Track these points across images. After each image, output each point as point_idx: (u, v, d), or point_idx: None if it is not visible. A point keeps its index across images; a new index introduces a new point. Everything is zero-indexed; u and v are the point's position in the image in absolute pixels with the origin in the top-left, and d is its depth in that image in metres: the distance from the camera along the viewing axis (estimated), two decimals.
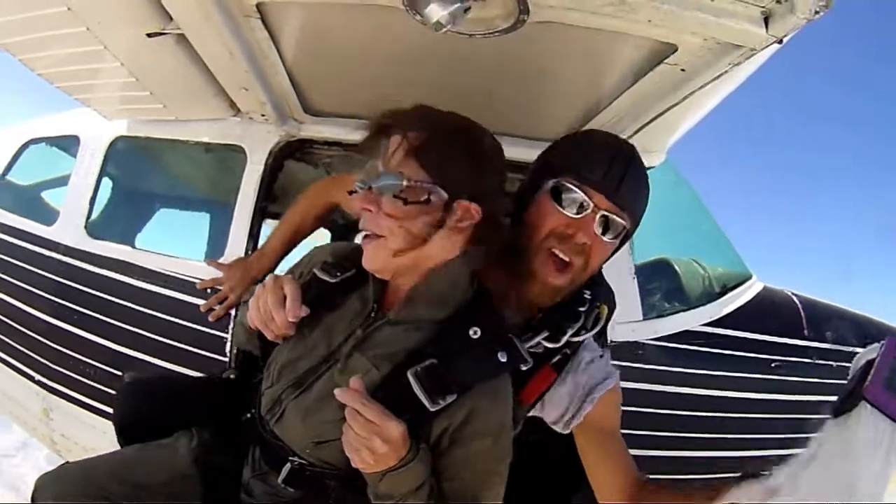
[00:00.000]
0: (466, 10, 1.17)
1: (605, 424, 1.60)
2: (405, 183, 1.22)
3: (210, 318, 2.15)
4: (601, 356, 1.62)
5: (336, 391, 1.18)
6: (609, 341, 2.15)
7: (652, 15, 1.26)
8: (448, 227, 1.27)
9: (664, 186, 2.41)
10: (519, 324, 1.51)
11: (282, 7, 1.50)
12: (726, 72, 1.46)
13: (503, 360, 1.27)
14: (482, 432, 1.25)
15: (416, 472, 1.20)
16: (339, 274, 1.44)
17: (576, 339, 1.55)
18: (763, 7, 1.21)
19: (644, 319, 2.20)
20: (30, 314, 2.57)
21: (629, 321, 2.17)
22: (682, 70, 1.53)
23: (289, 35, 1.64)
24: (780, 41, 1.28)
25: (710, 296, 2.33)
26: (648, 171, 2.31)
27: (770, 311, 2.38)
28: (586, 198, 1.43)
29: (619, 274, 2.17)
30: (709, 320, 2.27)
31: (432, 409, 1.21)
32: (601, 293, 1.63)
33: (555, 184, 1.47)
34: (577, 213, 1.44)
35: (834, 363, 2.35)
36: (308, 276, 1.45)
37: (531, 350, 1.45)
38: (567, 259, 1.45)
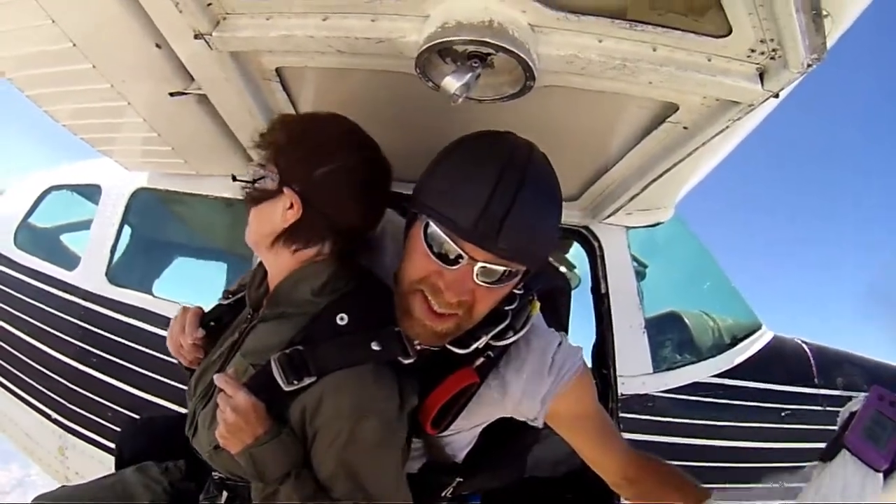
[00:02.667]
0: (477, 77, 1.23)
1: (580, 413, 1.50)
2: (251, 173, 1.33)
3: None
4: (556, 349, 1.45)
5: (215, 375, 1.28)
6: (619, 395, 2.20)
7: (652, 77, 1.30)
8: (283, 224, 1.29)
9: (672, 241, 2.51)
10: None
11: (300, 71, 1.58)
12: (727, 127, 1.49)
13: (376, 348, 1.24)
14: (336, 415, 1.22)
15: (276, 454, 1.22)
16: (230, 296, 1.56)
17: (499, 342, 1.37)
18: (758, 64, 1.25)
19: (654, 372, 2.23)
20: (50, 355, 2.66)
21: (639, 374, 2.20)
22: (685, 128, 1.58)
23: (306, 97, 1.71)
24: (777, 95, 1.31)
25: (719, 347, 2.37)
26: (657, 227, 2.31)
27: (780, 360, 2.39)
28: (458, 249, 1.19)
29: (630, 328, 2.27)
30: (719, 371, 2.29)
31: (286, 389, 1.21)
32: (537, 282, 1.44)
33: (426, 223, 1.22)
34: (450, 265, 1.21)
35: None
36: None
37: (431, 348, 1.35)
38: (443, 312, 1.25)
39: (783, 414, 2.29)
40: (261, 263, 1.44)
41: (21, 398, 2.77)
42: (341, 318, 1.27)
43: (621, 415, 2.14)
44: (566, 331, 1.69)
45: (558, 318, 1.69)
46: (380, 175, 1.35)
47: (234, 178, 1.35)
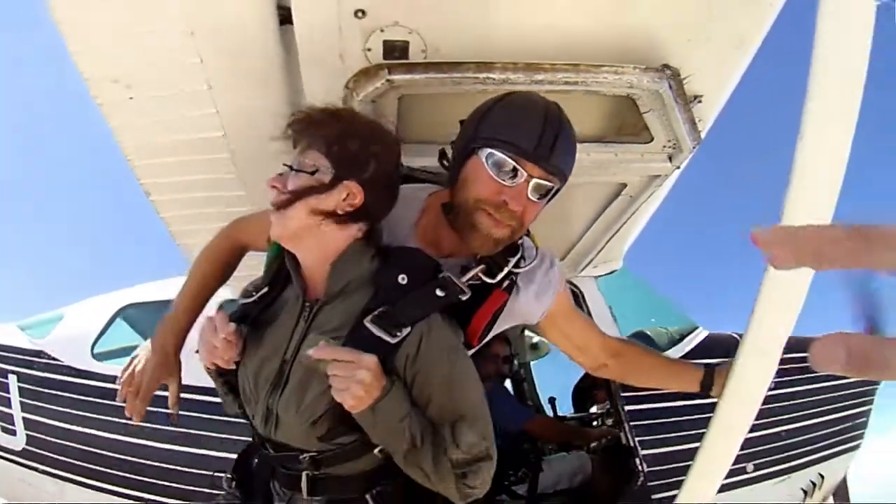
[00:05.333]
0: None
1: (568, 310, 1.83)
2: (302, 163, 1.40)
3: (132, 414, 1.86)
4: (552, 265, 1.73)
5: (310, 351, 1.30)
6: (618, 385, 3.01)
7: (615, 170, 2.20)
8: (338, 209, 1.39)
9: (625, 284, 3.43)
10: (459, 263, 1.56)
11: None
12: (654, 192, 2.40)
13: (441, 294, 1.40)
14: (436, 353, 1.37)
15: (398, 400, 1.31)
16: (254, 293, 1.56)
17: (518, 269, 1.59)
18: (668, 153, 2.13)
19: None
20: (153, 447, 3.09)
21: None
22: (630, 196, 2.49)
23: None
24: (679, 167, 2.18)
25: (673, 343, 3.25)
26: (610, 276, 3.19)
27: (716, 346, 3.23)
28: (520, 167, 1.44)
29: None
30: (681, 353, 3.17)
31: (393, 342, 1.33)
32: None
33: (489, 152, 1.45)
34: (511, 182, 1.45)
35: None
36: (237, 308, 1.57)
37: (473, 282, 1.50)
38: (503, 223, 1.48)
39: None
40: (277, 263, 1.55)
41: (118, 493, 3.11)
42: (402, 279, 1.40)
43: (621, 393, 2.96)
44: None
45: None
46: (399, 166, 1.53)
47: (291, 168, 1.42)
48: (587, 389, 4.10)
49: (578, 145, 1.69)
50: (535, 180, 1.46)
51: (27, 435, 3.33)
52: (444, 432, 1.36)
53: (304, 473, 1.45)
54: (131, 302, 3.57)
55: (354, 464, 1.43)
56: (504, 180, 1.46)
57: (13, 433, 3.36)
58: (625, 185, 2.44)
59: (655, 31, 1.73)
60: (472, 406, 1.41)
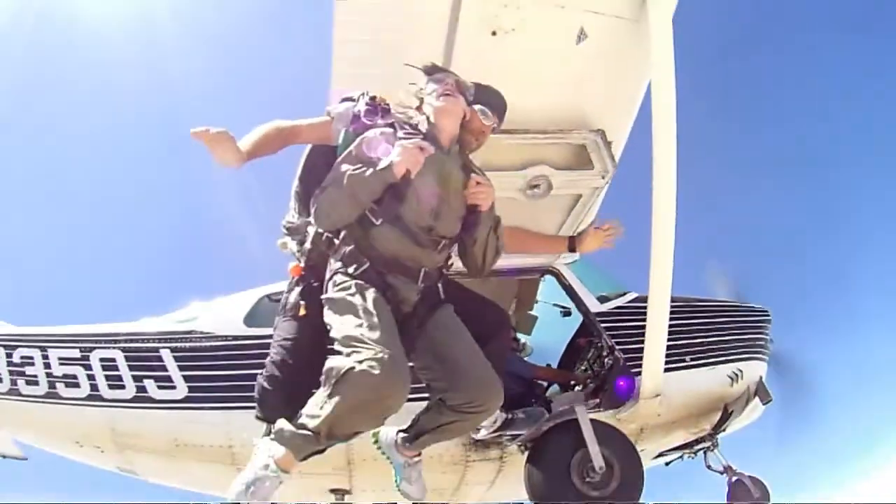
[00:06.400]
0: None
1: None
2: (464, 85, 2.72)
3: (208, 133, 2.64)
4: None
5: (473, 177, 2.66)
6: (593, 312, 4.74)
7: (576, 186, 4.05)
8: (465, 113, 2.72)
9: (585, 267, 5.06)
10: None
11: None
12: (595, 199, 4.20)
13: (472, 160, 2.86)
14: (489, 186, 2.66)
15: None
16: (421, 134, 2.65)
17: None
18: (602, 174, 3.92)
19: (601, 304, 4.78)
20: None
21: (595, 306, 4.78)
22: (583, 204, 4.17)
23: None
24: (608, 182, 3.98)
25: (619, 296, 4.90)
26: (575, 262, 5.00)
27: (640, 300, 4.38)
28: (493, 118, 2.86)
29: (588, 298, 4.83)
30: (627, 301, 4.82)
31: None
32: None
33: (481, 107, 2.82)
34: (487, 123, 2.84)
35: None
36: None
37: None
38: (478, 141, 2.89)
39: None
40: (407, 130, 2.68)
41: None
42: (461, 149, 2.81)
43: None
44: None
45: None
46: None
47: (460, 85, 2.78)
48: (572, 351, 5.32)
49: (557, 170, 3.73)
50: (494, 124, 2.95)
51: (188, 386, 4.21)
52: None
53: (422, 269, 2.54)
54: (271, 293, 4.52)
55: (443, 255, 2.64)
56: (485, 122, 2.90)
57: (173, 388, 4.21)
58: (580, 196, 4.19)
59: (594, 112, 3.75)
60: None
